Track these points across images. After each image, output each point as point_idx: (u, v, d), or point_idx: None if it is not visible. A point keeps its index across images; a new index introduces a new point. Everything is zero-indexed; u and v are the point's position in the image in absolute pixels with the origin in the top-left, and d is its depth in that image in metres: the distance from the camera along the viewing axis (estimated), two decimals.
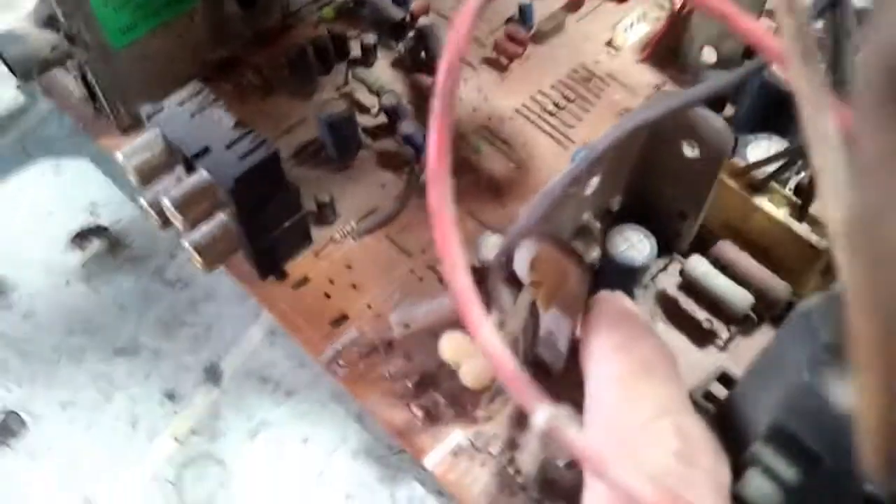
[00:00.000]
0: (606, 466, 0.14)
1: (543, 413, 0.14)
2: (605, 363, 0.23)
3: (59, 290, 0.32)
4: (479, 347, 0.15)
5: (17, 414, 0.29)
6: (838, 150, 0.13)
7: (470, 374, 0.26)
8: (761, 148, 0.30)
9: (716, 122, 0.26)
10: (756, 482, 0.19)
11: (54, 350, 0.31)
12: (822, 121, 0.13)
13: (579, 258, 0.23)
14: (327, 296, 0.31)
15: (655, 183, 0.29)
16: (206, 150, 0.27)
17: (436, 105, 0.15)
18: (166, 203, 0.27)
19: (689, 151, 0.27)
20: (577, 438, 0.14)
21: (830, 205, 0.13)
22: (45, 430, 0.29)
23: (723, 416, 0.23)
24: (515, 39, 0.37)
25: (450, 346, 0.25)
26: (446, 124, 0.15)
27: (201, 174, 0.27)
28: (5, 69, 0.34)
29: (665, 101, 0.22)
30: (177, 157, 0.28)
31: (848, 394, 0.16)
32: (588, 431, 0.21)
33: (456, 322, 0.28)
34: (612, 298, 0.25)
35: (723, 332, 0.29)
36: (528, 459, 0.17)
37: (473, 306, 0.14)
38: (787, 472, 0.18)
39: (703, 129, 0.26)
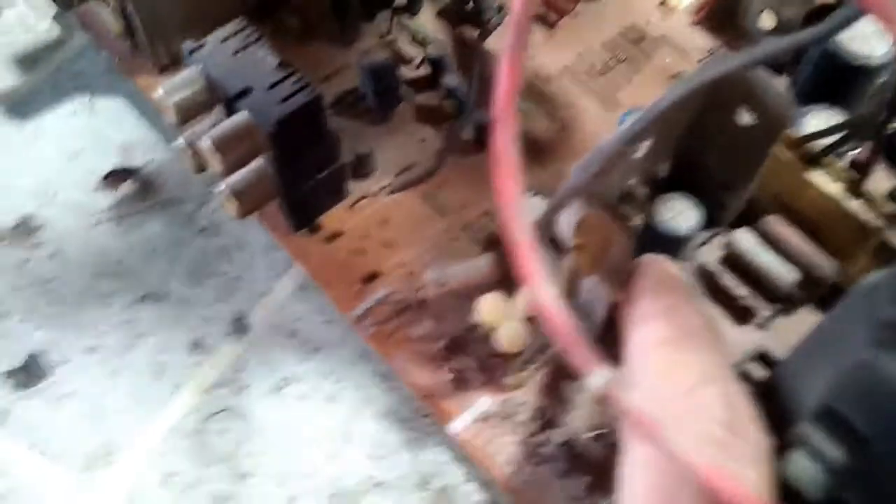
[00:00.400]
0: (662, 433, 0.13)
1: (600, 376, 0.13)
2: (647, 328, 0.22)
3: (88, 231, 0.32)
4: (535, 302, 0.14)
5: (41, 357, 0.29)
6: None
7: (506, 337, 0.25)
8: (819, 119, 0.29)
9: (777, 87, 0.25)
10: (802, 463, 0.18)
11: (81, 292, 0.30)
12: None
13: (625, 225, 0.23)
14: (359, 252, 0.30)
15: (705, 151, 0.28)
16: (247, 91, 0.26)
17: (509, 37, 0.14)
18: (206, 142, 0.26)
19: (746, 118, 0.26)
20: (633, 403, 0.13)
21: None
22: (69, 375, 0.29)
23: (762, 395, 0.22)
24: None
25: (487, 308, 0.25)
26: (519, 59, 0.14)
27: (242, 115, 0.26)
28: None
29: (729, 59, 0.21)
30: (217, 96, 0.27)
31: None
32: None
33: (491, 285, 0.28)
34: (657, 262, 0.24)
35: (763, 310, 0.28)
36: (581, 421, 0.16)
37: (532, 258, 0.14)
38: (835, 454, 0.18)
39: (763, 95, 0.25)
